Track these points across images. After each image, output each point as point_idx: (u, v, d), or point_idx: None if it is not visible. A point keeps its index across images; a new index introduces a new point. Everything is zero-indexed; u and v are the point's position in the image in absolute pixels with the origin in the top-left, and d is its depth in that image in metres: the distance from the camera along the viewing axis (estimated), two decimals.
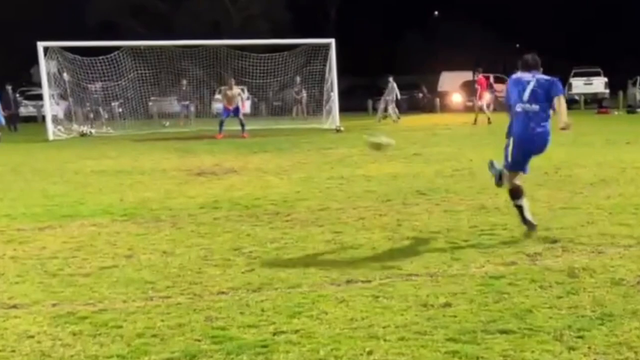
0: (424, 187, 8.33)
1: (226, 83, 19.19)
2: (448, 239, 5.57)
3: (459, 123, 21.39)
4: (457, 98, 32.19)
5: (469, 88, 31.85)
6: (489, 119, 21.05)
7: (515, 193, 5.83)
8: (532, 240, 5.47)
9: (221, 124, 18.22)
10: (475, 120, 21.32)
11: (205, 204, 7.56)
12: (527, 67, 5.81)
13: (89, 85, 21.59)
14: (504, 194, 7.55)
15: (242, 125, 18.21)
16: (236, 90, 18.60)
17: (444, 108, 31.61)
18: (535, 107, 5.59)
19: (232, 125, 18.57)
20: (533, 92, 5.61)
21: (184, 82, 24.44)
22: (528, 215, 5.72)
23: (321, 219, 6.59)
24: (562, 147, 12.97)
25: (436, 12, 47.25)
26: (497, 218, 6.34)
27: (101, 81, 21.46)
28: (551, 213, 6.59)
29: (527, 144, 5.68)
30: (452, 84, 32.90)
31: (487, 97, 22.51)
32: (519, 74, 5.83)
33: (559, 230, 5.78)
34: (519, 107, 5.66)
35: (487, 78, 22.77)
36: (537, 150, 5.76)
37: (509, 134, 5.84)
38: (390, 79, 25.19)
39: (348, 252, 5.26)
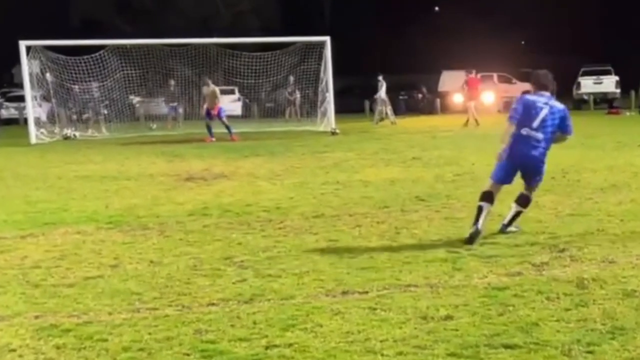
0: (423, 193, 8.34)
1: (213, 83, 19.14)
2: (449, 248, 5.58)
3: (461, 125, 21.45)
4: (458, 99, 32.29)
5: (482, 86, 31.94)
6: (476, 120, 21.37)
7: (487, 196, 5.99)
8: (538, 249, 5.48)
9: (208, 127, 18.17)
10: (467, 122, 21.54)
11: (194, 210, 7.55)
12: (541, 87, 6.06)
13: (74, 86, 21.56)
14: (507, 200, 7.60)
15: (227, 127, 18.10)
16: (212, 87, 18.34)
17: (445, 109, 31.68)
18: (540, 135, 5.88)
19: (222, 128, 18.57)
20: (543, 120, 5.88)
21: (172, 82, 24.40)
22: (481, 222, 5.81)
23: (316, 226, 6.59)
24: (571, 150, 12.97)
25: (437, 8, 47.35)
26: (501, 225, 6.34)
27: (97, 81, 21.49)
28: (559, 220, 6.61)
29: (518, 162, 5.96)
30: (453, 84, 32.98)
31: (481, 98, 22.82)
32: (533, 97, 6.03)
33: (567, 239, 5.80)
34: (524, 131, 5.90)
35: (479, 79, 23.02)
36: (527, 170, 6.01)
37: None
38: (380, 77, 25.36)
39: (344, 262, 5.26)
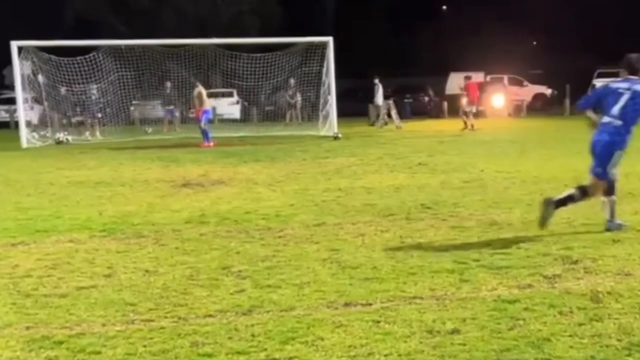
0: (429, 201, 8.35)
1: (211, 86, 19.21)
2: (456, 258, 5.58)
3: (469, 130, 21.47)
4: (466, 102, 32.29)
5: (482, 91, 31.97)
6: (472, 125, 21.66)
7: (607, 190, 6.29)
8: (550, 260, 5.47)
9: (206, 131, 18.19)
10: (472, 126, 21.71)
11: (191, 218, 7.58)
12: (633, 72, 6.22)
13: (61, 88, 21.63)
14: (518, 208, 7.61)
15: (204, 132, 18.00)
16: (197, 89, 18.33)
17: (453, 113, 31.68)
18: (618, 122, 6.08)
19: (219, 132, 18.61)
20: (624, 107, 6.06)
21: (168, 84, 24.45)
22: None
23: (317, 235, 6.61)
24: (583, 156, 12.93)
25: (444, 7, 47.42)
26: (511, 235, 6.34)
27: (93, 83, 21.56)
28: (572, 230, 6.59)
29: (592, 147, 6.26)
30: (461, 86, 33.00)
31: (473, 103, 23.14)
32: (616, 83, 6.24)
33: (580, 250, 5.78)
34: (606, 119, 6.15)
35: (478, 84, 23.32)
36: (597, 155, 6.21)
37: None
38: (376, 80, 25.49)
39: (346, 272, 5.27)
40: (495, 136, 18.85)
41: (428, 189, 9.37)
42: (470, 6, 42.36)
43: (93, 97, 22.37)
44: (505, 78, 35.18)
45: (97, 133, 21.90)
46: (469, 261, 5.48)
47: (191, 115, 18.31)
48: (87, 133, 21.78)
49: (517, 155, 13.57)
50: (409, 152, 14.90)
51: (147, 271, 5.43)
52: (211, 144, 17.87)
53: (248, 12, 40.55)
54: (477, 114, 23.10)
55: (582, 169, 10.67)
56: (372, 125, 25.60)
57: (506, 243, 6.03)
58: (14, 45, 19.43)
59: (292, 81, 25.30)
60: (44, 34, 22.19)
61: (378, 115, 25.89)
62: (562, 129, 21.37)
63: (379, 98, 25.83)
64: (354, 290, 4.79)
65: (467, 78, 23.96)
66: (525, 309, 4.31)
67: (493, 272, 5.16)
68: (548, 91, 36.72)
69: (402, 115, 26.82)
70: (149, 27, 34.51)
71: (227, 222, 7.31)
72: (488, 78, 35.53)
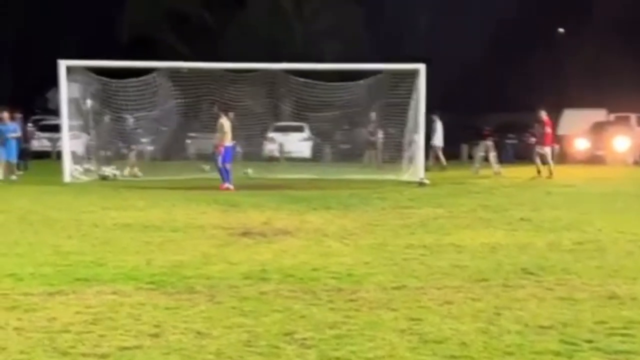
0: (532, 265, 8.25)
1: (280, 118, 19.42)
2: (564, 338, 5.49)
3: (584, 178, 21.00)
4: (581, 145, 31.66)
5: (601, 132, 31.28)
6: (550, 172, 21.45)
7: None
8: None
9: (220, 170, 18.32)
10: (551, 173, 21.40)
11: (250, 273, 7.75)
12: None
13: (124, 116, 22.29)
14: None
15: (220, 172, 18.06)
16: (221, 120, 18.44)
17: (565, 158, 31.10)
18: None
19: (286, 173, 18.83)
20: None
21: (231, 115, 24.99)
22: None
23: (395, 300, 6.64)
24: None
25: (561, 29, 46.67)
26: (635, 312, 6.19)
27: (145, 111, 22.14)
28: None
29: None
30: (576, 126, 32.39)
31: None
32: None
33: None
34: None
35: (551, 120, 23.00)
36: None
37: None
38: (436, 117, 25.25)
39: (428, 347, 5.28)
40: (618, 188, 18.36)
41: (531, 251, 9.25)
42: (592, 29, 41.49)
43: (145, 126, 23.07)
44: (633, 117, 34.27)
45: (143, 169, 22.43)
46: (579, 342, 5.38)
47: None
48: (136, 168, 22.47)
49: None
50: (508, 204, 14.73)
51: (199, 333, 5.60)
52: (231, 187, 17.89)
53: (326, 34, 41.29)
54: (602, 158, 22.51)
55: None
56: (497, 172, 24.25)
57: (628, 322, 5.89)
58: (62, 64, 20.00)
59: (373, 115, 25.44)
60: (95, 54, 23.23)
61: (437, 158, 25.60)
62: None
63: (437, 139, 25.71)
64: None
65: (543, 112, 23.46)
66: None
67: (610, 357, 5.06)
68: None
69: (503, 159, 26.45)
70: (213, 47, 35.79)
71: (291, 280, 7.44)
72: (611, 117, 34.75)
